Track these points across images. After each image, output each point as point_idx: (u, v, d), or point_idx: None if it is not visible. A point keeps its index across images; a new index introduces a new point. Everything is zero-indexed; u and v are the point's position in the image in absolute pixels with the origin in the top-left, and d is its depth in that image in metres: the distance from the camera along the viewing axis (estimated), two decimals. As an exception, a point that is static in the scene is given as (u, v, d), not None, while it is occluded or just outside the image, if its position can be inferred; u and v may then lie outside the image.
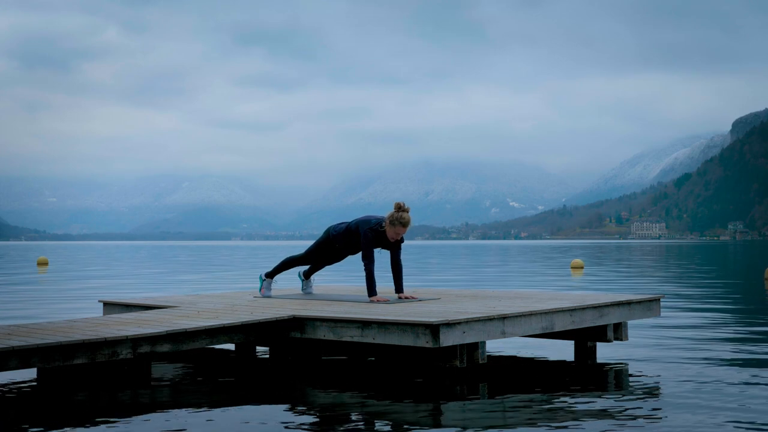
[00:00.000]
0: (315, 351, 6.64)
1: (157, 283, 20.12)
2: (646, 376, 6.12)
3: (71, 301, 13.96)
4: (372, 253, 6.87)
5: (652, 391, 5.56)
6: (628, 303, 6.75)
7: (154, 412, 4.93)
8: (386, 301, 6.71)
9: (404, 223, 6.86)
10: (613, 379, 6.08)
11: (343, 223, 7.25)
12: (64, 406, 5.06)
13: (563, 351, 7.13)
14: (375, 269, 6.92)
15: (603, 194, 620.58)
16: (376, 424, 4.62)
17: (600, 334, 6.69)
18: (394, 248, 7.01)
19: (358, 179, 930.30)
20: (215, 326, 5.77)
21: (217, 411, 4.93)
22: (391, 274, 7.05)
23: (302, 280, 7.83)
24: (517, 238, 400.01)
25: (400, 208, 6.89)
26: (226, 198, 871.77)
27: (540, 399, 5.26)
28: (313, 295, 7.58)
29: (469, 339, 5.57)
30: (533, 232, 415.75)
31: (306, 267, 7.80)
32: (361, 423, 4.66)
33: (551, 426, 4.55)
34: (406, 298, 6.94)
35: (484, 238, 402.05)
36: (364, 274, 6.88)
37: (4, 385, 5.71)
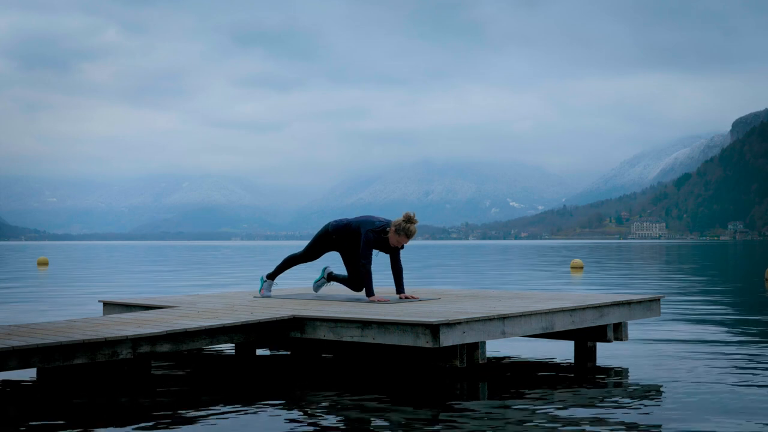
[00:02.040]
0: (315, 351, 6.64)
1: (157, 283, 20.12)
2: (646, 376, 6.12)
3: (71, 301, 13.97)
4: (370, 254, 6.87)
5: (652, 392, 5.56)
6: (628, 303, 6.75)
7: (154, 412, 4.93)
8: (386, 302, 6.71)
9: (409, 235, 6.86)
10: (613, 379, 6.08)
11: (344, 219, 7.25)
12: (64, 406, 5.06)
13: (563, 351, 7.13)
14: (375, 269, 6.92)
15: (603, 194, 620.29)
16: (376, 425, 4.62)
17: (600, 334, 6.70)
18: (394, 252, 7.03)
19: (358, 179, 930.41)
20: (215, 326, 5.77)
21: (217, 411, 4.93)
22: (392, 275, 7.06)
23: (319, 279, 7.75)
24: (517, 238, 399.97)
25: (409, 219, 6.87)
26: (226, 198, 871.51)
27: (540, 399, 5.26)
28: (313, 295, 7.58)
29: (469, 339, 5.57)
30: (533, 232, 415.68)
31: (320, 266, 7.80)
32: (361, 423, 4.66)
33: (551, 426, 4.55)
34: (407, 297, 6.95)
35: (484, 238, 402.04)
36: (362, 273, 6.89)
37: (4, 385, 5.71)
